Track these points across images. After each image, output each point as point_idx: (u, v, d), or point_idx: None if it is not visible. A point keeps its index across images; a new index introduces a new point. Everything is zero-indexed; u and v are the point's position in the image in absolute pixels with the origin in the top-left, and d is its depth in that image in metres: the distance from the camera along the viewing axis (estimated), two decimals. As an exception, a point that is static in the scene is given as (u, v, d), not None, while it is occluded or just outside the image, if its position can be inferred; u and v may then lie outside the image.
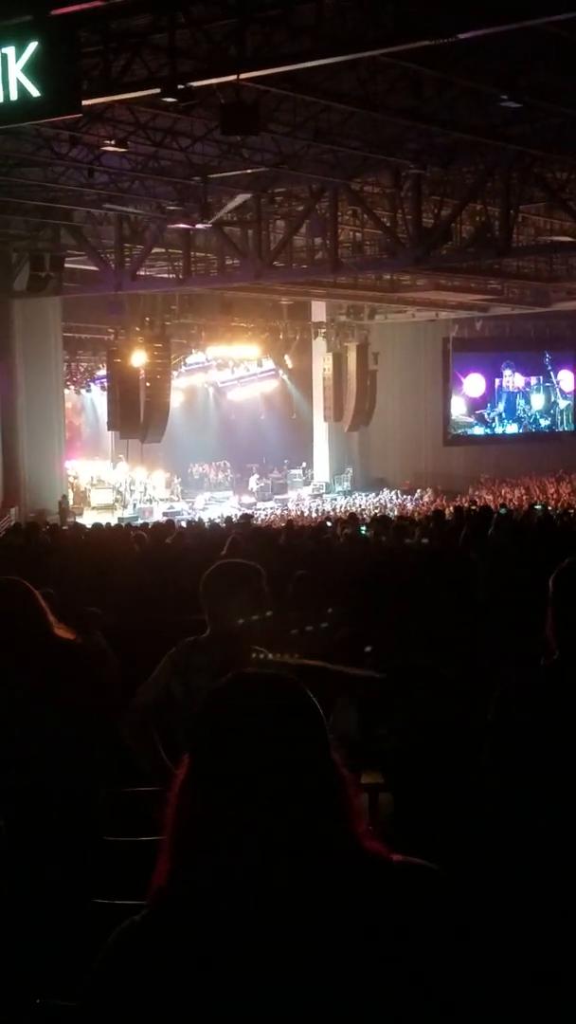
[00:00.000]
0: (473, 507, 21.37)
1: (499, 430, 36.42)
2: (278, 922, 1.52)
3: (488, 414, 36.57)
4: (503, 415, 36.83)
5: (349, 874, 1.56)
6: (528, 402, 37.21)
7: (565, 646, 3.10)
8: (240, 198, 21.27)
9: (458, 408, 36.73)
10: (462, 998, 1.58)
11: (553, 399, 36.99)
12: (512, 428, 36.51)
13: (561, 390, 36.80)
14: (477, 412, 36.56)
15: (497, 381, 36.81)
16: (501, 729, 3.11)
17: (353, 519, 18.10)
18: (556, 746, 2.97)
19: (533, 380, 37.03)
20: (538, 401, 37.22)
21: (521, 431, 36.58)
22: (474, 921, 1.65)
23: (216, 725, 1.60)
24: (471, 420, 36.75)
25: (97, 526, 18.98)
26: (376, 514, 23.63)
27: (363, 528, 14.44)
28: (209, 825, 1.54)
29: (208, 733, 1.60)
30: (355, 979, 1.52)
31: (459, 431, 36.57)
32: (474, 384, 36.86)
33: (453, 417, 36.36)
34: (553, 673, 3.11)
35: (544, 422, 36.68)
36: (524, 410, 36.93)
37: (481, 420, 36.62)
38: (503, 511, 13.92)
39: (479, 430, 36.53)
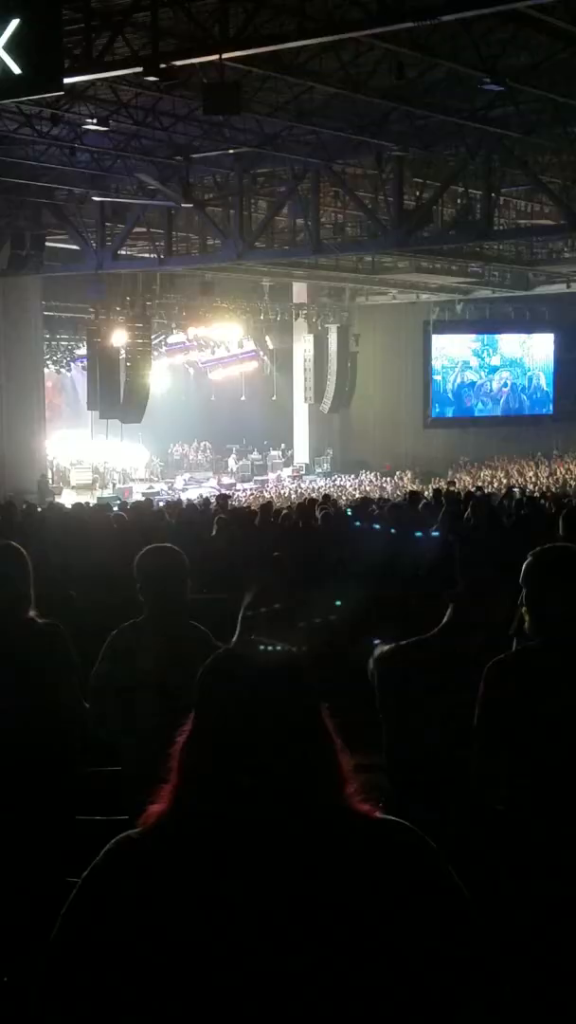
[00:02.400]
0: (452, 487, 21.47)
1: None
2: (259, 865, 1.64)
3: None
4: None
5: (330, 829, 1.69)
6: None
7: (541, 632, 3.22)
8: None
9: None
10: (434, 954, 1.67)
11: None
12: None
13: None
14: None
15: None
16: (491, 701, 3.22)
17: (327, 499, 18.15)
18: (541, 722, 3.08)
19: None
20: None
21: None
22: (455, 885, 1.73)
23: (217, 689, 1.74)
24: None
25: (78, 506, 18.95)
26: (356, 496, 23.74)
27: (348, 510, 14.48)
28: (207, 775, 1.70)
29: (209, 695, 1.74)
30: (325, 924, 1.63)
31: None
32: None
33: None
34: (536, 654, 3.24)
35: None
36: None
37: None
38: (479, 494, 14.00)
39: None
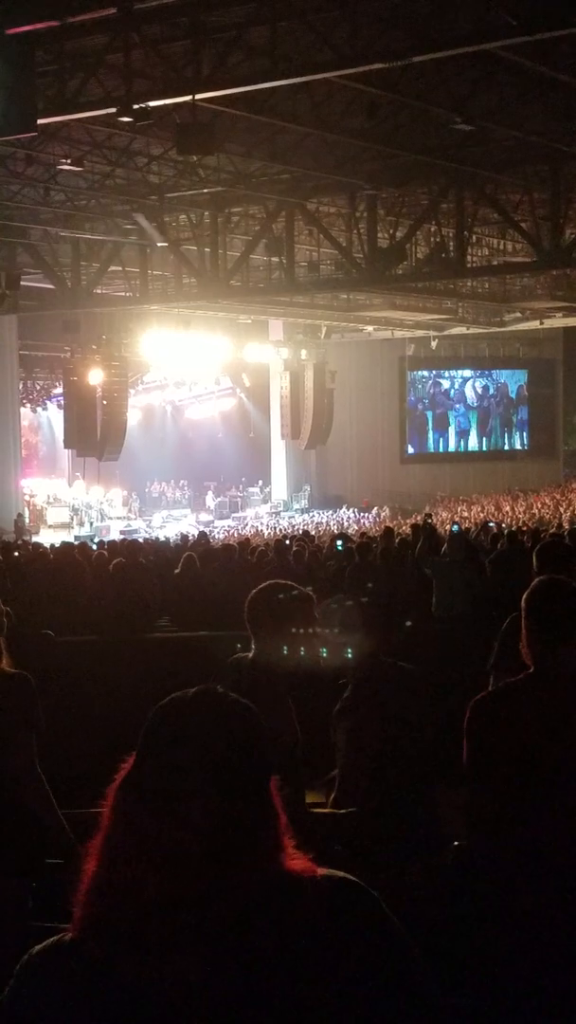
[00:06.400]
0: (429, 521, 21.49)
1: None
2: (197, 949, 1.49)
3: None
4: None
5: (269, 897, 1.53)
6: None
7: (537, 661, 3.19)
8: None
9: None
10: (388, 1009, 1.56)
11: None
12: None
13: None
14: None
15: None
16: (476, 739, 3.18)
17: (307, 537, 18.12)
18: (529, 756, 3.04)
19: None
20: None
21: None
22: (396, 932, 1.61)
23: (163, 735, 1.58)
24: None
25: (65, 544, 18.79)
26: (335, 531, 23.71)
27: (339, 543, 14.42)
28: (136, 836, 1.53)
29: (154, 742, 1.57)
30: (278, 1008, 1.49)
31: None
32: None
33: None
34: (526, 686, 3.20)
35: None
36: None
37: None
38: (455, 529, 13.99)
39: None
